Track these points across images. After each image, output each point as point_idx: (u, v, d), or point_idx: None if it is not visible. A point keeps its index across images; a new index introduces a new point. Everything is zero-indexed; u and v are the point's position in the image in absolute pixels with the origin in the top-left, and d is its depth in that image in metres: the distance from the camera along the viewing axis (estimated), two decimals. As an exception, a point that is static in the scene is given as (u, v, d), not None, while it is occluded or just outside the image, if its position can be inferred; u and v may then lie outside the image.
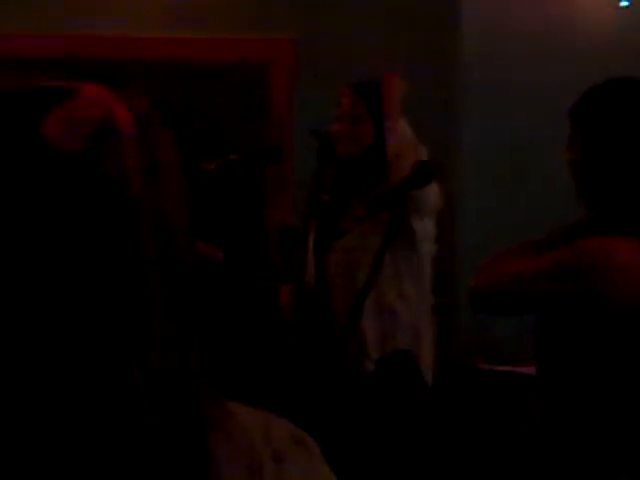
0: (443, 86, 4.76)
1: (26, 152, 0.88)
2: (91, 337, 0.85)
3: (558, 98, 2.41)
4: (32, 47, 4.81)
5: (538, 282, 2.18)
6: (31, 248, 0.86)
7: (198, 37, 4.89)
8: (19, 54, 4.71)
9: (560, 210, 2.87)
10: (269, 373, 3.67)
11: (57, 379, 0.85)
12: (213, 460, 0.89)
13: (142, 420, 0.85)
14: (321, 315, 3.52)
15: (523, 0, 4.87)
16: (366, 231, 3.36)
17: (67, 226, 0.86)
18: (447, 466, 3.65)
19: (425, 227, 3.51)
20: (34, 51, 4.78)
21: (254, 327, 4.16)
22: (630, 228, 2.17)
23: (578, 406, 2.25)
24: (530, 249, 2.28)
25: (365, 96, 3.58)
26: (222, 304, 4.27)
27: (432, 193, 3.35)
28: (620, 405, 2.20)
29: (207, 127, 4.79)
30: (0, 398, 0.84)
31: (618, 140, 2.20)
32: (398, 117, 3.48)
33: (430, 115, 4.44)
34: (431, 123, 4.22)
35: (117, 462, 0.84)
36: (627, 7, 4.79)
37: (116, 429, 0.85)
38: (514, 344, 4.13)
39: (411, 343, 3.52)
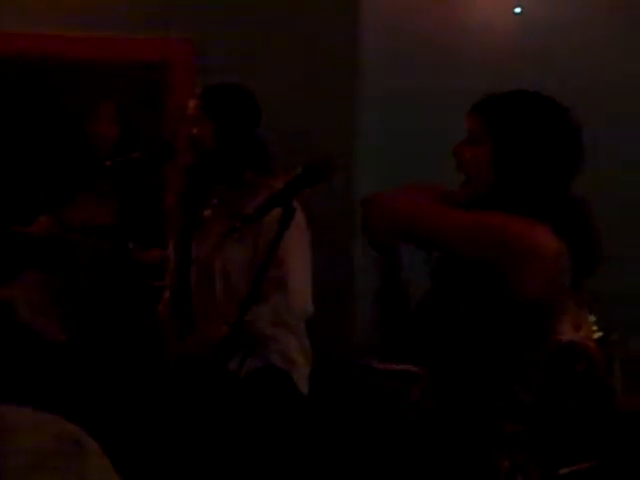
0: (345, 90, 4.82)
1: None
2: None
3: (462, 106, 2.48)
4: None
5: (458, 231, 2.24)
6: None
7: (99, 36, 4.87)
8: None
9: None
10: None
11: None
12: None
13: None
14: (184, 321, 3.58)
15: (426, 8, 4.96)
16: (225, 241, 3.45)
17: None
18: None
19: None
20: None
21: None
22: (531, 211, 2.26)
23: (464, 387, 2.31)
24: (437, 198, 2.38)
25: (206, 99, 3.59)
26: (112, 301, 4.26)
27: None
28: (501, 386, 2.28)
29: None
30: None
31: (527, 139, 2.32)
32: None
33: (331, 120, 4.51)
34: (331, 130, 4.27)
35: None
36: (520, 14, 4.89)
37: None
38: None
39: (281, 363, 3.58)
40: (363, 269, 4.52)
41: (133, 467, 3.95)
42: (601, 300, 3.77)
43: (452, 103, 2.74)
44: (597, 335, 4.19)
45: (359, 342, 4.72)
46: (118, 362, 4.11)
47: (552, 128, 2.34)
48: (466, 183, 2.38)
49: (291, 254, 3.43)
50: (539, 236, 2.17)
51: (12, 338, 4.11)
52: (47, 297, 4.13)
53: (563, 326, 2.65)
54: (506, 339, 2.26)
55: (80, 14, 4.86)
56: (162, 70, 4.95)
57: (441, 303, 2.36)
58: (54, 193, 4.19)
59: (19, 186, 4.33)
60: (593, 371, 3.87)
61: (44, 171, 4.25)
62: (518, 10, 4.88)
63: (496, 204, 2.29)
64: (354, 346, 4.63)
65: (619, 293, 4.40)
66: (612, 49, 4.91)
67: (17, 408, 0.94)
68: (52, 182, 4.22)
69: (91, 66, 4.88)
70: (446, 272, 2.38)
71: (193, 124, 3.57)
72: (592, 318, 4.21)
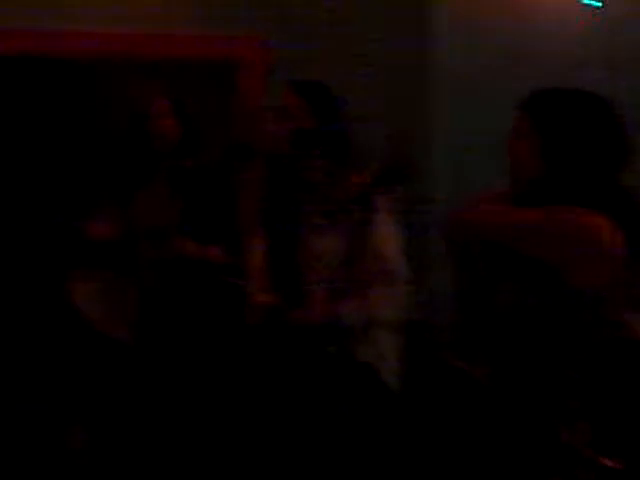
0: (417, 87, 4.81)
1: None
2: None
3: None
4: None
5: (524, 230, 2.31)
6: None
7: (172, 34, 4.90)
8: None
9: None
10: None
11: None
12: None
13: None
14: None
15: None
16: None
17: None
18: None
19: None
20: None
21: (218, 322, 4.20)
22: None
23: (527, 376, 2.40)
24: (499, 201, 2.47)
25: (306, 95, 3.55)
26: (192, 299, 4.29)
27: None
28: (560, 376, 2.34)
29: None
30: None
31: (576, 134, 2.39)
32: None
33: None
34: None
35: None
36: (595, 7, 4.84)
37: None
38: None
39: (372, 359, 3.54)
40: (440, 267, 4.51)
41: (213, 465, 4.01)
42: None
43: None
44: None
45: (437, 338, 4.71)
46: (193, 359, 4.14)
47: (594, 120, 2.40)
48: (516, 178, 2.45)
49: (385, 244, 3.41)
50: (602, 226, 2.21)
51: (78, 337, 4.16)
52: (112, 296, 4.15)
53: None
54: (571, 326, 2.31)
55: (156, 13, 4.89)
56: (233, 69, 4.96)
57: (508, 296, 2.38)
58: (116, 191, 4.19)
59: (83, 184, 4.33)
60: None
61: (106, 169, 4.25)
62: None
63: (548, 197, 2.35)
64: (433, 343, 4.61)
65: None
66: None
67: None
68: (114, 180, 4.22)
69: (166, 65, 4.92)
70: (510, 269, 2.41)
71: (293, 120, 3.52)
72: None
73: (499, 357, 2.50)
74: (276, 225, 3.55)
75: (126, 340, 4.10)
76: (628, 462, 2.31)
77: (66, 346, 4.19)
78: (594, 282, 2.23)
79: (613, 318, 2.34)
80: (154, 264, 4.10)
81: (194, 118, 4.25)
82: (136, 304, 4.09)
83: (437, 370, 4.44)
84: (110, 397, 4.11)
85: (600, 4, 4.83)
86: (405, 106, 4.81)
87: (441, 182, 4.82)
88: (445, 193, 4.82)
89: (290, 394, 3.32)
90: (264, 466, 3.42)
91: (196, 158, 4.18)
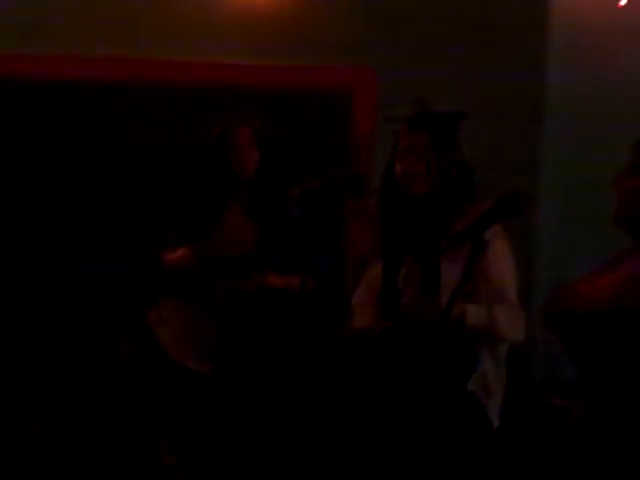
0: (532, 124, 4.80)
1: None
2: None
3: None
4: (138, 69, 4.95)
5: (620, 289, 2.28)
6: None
7: (281, 64, 4.98)
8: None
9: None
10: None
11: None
12: None
13: None
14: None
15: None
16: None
17: None
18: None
19: None
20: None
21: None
22: None
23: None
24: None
25: (426, 128, 3.52)
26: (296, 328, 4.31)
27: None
28: None
29: (290, 153, 4.86)
30: None
31: None
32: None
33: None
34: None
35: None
36: None
37: None
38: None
39: (478, 391, 3.48)
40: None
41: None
42: None
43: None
44: None
45: (536, 376, 4.68)
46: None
47: None
48: (621, 215, 2.40)
49: (502, 275, 3.42)
50: None
51: (154, 364, 4.21)
52: (189, 325, 4.17)
53: None
54: None
55: (265, 43, 4.98)
56: (344, 99, 5.01)
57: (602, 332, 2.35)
58: (195, 220, 4.19)
59: (162, 212, 4.37)
60: None
61: (186, 197, 4.27)
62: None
63: None
64: (532, 380, 4.58)
65: None
66: None
67: None
68: (193, 209, 4.21)
69: (276, 94, 4.99)
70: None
71: (416, 158, 3.51)
72: None
73: (598, 393, 2.45)
74: (393, 256, 3.56)
75: (203, 372, 4.12)
76: None
77: (146, 378, 4.25)
78: None
79: None
80: (233, 295, 4.12)
81: (275, 148, 4.27)
82: (213, 336, 4.10)
83: (534, 408, 4.41)
84: (189, 427, 4.14)
85: None
86: (518, 137, 4.80)
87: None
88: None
89: (391, 422, 3.32)
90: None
91: (276, 189, 4.21)
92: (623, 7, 4.88)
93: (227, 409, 4.08)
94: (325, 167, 4.77)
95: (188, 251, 4.13)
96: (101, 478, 4.35)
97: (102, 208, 5.05)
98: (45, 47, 4.93)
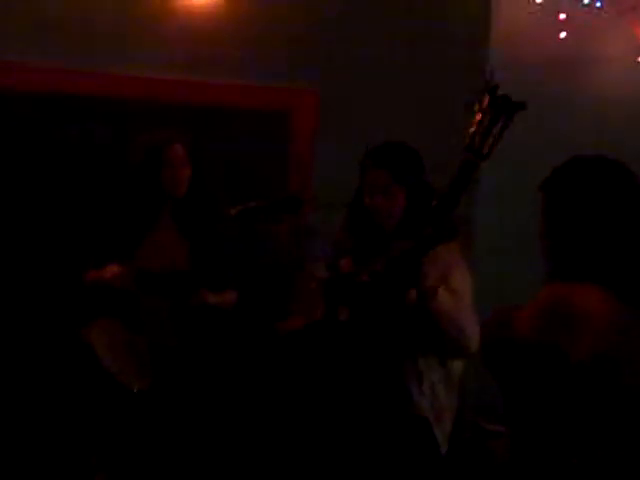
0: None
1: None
2: None
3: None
4: (62, 82, 4.87)
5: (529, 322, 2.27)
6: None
7: (221, 82, 4.95)
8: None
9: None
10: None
11: None
12: None
13: None
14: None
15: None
16: None
17: None
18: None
19: None
20: (63, 87, 4.87)
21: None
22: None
23: (543, 453, 2.32)
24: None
25: (388, 166, 3.53)
26: (237, 346, 4.28)
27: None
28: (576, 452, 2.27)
29: (228, 172, 4.84)
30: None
31: (581, 215, 2.34)
32: None
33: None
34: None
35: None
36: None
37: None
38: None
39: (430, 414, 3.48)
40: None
41: None
42: None
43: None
44: None
45: (469, 401, 4.69)
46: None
47: (605, 194, 2.35)
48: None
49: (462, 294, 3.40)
50: (580, 299, 2.21)
51: (93, 380, 4.14)
52: (125, 342, 4.11)
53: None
54: (577, 402, 2.27)
55: (206, 61, 4.95)
56: (284, 119, 5.00)
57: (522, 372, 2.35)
58: (123, 237, 4.14)
59: (89, 230, 4.31)
60: None
61: (115, 213, 4.22)
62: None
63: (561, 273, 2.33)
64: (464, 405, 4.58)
65: None
66: None
67: None
68: (121, 226, 4.16)
69: (214, 112, 4.96)
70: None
71: (383, 194, 3.51)
72: None
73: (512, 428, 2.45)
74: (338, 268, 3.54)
75: (142, 389, 4.08)
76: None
77: (84, 394, 4.20)
78: (584, 353, 2.21)
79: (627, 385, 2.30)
80: (168, 314, 4.08)
81: (208, 165, 4.25)
82: (149, 356, 4.07)
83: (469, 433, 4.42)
84: (127, 445, 4.10)
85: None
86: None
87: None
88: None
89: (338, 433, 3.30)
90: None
91: (207, 206, 4.18)
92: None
93: (163, 426, 4.05)
94: (263, 185, 4.75)
95: (118, 269, 4.08)
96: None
97: (24, 222, 4.96)
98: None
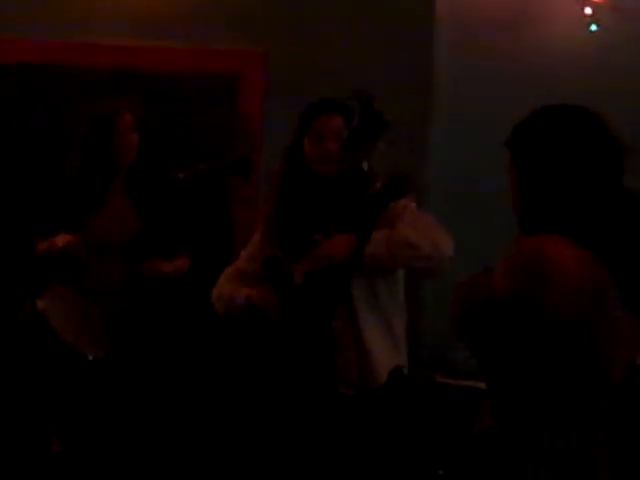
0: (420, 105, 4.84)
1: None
2: None
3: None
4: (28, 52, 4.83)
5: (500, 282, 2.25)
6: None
7: (171, 47, 4.92)
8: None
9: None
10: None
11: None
12: None
13: None
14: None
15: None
16: None
17: None
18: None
19: None
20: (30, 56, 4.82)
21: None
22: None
23: (516, 406, 2.32)
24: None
25: (342, 112, 3.51)
26: (189, 312, 4.28)
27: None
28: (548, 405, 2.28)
29: (175, 136, 4.81)
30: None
31: (545, 168, 2.32)
32: None
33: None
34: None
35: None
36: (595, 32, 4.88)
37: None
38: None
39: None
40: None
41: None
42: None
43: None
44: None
45: (424, 355, 4.72)
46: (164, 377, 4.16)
47: (574, 141, 2.31)
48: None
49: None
50: (552, 252, 2.19)
51: (47, 349, 4.14)
52: (78, 311, 4.11)
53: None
54: (552, 362, 2.27)
55: (156, 26, 4.91)
56: (232, 81, 4.97)
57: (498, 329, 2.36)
58: (74, 206, 4.14)
59: (40, 199, 4.28)
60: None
61: (65, 183, 4.19)
62: (593, 28, 4.86)
63: (531, 227, 2.32)
64: (420, 359, 4.61)
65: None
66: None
67: None
68: (72, 194, 4.16)
69: (162, 77, 4.93)
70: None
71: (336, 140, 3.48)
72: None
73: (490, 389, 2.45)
74: (290, 232, 3.54)
75: (98, 357, 4.07)
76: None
77: (39, 363, 4.18)
78: (556, 311, 2.20)
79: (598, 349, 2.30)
80: (120, 282, 4.08)
81: (158, 133, 4.23)
82: (103, 323, 4.07)
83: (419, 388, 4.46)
84: (83, 413, 4.09)
85: (594, 28, 4.88)
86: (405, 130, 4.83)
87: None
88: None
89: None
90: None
91: (157, 172, 4.16)
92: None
93: (120, 395, 4.05)
94: (212, 150, 4.73)
95: (70, 237, 4.05)
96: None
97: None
98: None
